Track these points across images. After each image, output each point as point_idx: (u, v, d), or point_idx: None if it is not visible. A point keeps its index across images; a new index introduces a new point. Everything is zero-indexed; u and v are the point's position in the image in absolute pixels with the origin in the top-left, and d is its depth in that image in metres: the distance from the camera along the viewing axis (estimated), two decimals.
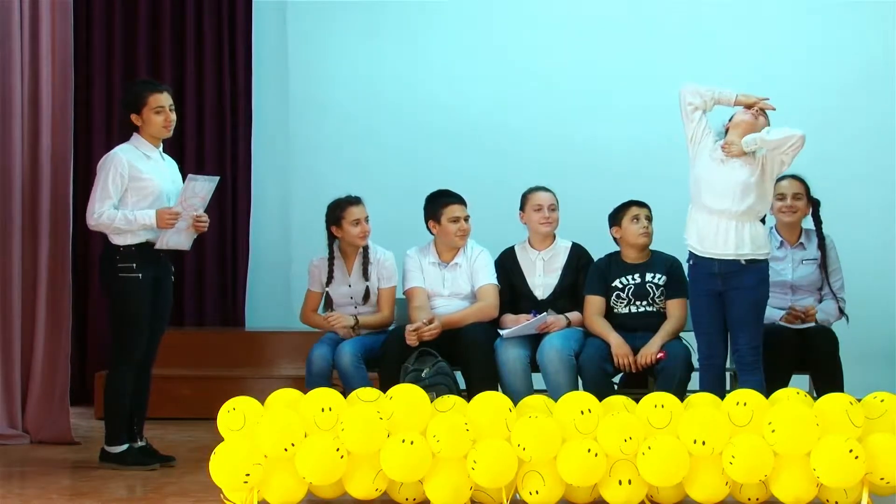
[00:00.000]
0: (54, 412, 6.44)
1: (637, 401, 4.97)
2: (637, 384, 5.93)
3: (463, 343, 5.87)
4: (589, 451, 4.77)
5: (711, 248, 5.45)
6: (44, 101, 6.43)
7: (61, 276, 6.45)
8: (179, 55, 8.09)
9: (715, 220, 5.44)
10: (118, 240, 5.70)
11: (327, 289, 6.23)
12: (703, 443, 4.76)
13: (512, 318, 6.05)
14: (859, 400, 4.92)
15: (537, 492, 4.84)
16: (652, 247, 6.04)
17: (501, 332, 5.95)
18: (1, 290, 6.31)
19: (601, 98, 8.02)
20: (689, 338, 5.85)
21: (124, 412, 5.79)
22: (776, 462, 4.78)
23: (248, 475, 4.81)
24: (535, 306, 6.08)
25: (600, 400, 4.97)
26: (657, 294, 5.95)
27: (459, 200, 6.18)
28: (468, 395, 5.42)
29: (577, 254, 6.17)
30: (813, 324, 5.92)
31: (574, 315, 6.04)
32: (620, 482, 4.84)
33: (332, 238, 6.22)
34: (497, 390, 5.52)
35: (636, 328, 5.91)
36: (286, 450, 4.81)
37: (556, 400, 5.04)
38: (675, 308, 5.92)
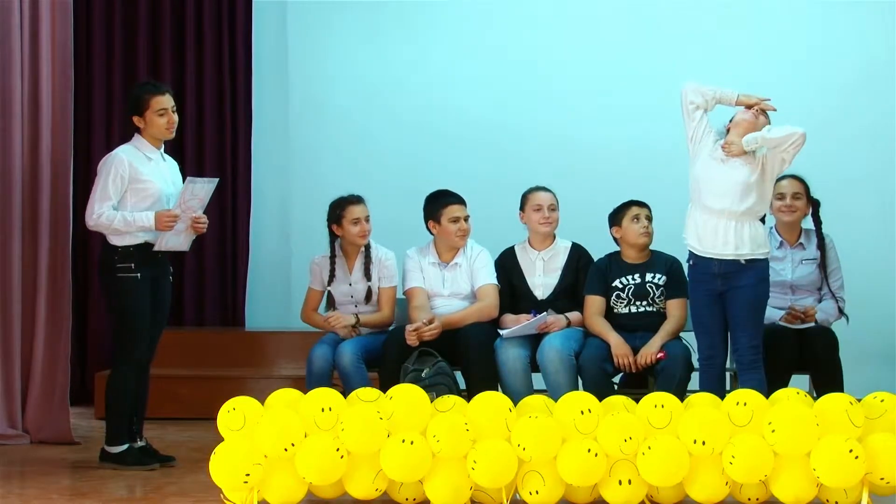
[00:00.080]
0: (54, 412, 6.44)
1: (637, 401, 4.97)
2: (637, 384, 5.93)
3: (463, 343, 5.87)
4: (589, 451, 4.77)
5: (711, 247, 5.45)
6: (44, 101, 6.44)
7: (61, 276, 6.45)
8: (179, 55, 8.09)
9: (714, 220, 5.44)
10: (116, 240, 5.71)
11: (329, 288, 6.23)
12: (703, 443, 4.76)
13: (512, 318, 6.05)
14: (859, 400, 4.92)
15: (537, 492, 4.84)
16: (652, 247, 6.04)
17: (501, 332, 5.95)
18: (1, 290, 6.31)
19: (601, 98, 8.01)
20: (689, 338, 5.85)
21: (126, 412, 5.79)
22: (776, 462, 4.78)
23: (248, 475, 4.81)
24: (535, 306, 6.08)
25: (600, 400, 4.98)
26: (657, 294, 5.95)
27: (459, 200, 6.18)
28: (468, 395, 5.42)
29: (577, 254, 6.18)
30: (813, 324, 5.92)
31: (574, 315, 6.04)
32: (620, 482, 4.84)
33: (333, 236, 6.23)
34: (497, 390, 5.52)
35: (636, 328, 5.91)
36: (286, 450, 4.81)
37: (556, 400, 5.04)
38: (675, 308, 5.92)
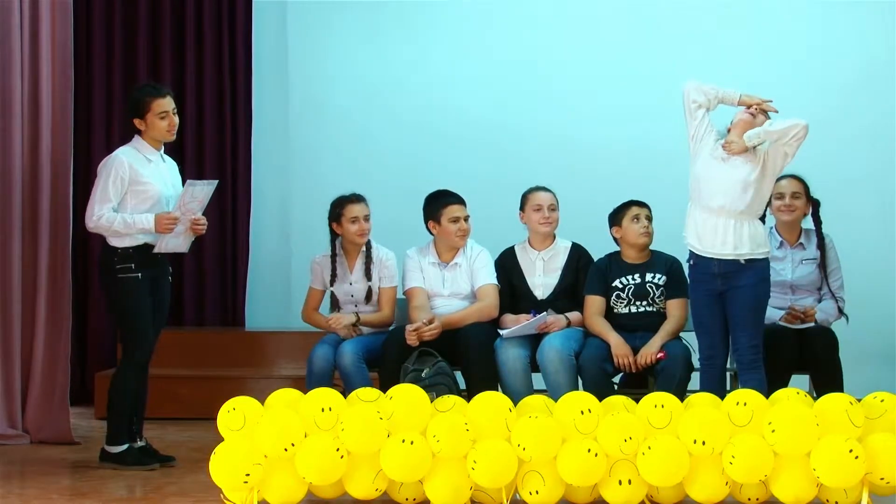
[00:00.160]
0: (54, 412, 6.44)
1: (637, 401, 4.97)
2: (637, 384, 5.93)
3: (463, 343, 5.87)
4: (589, 451, 4.77)
5: (710, 247, 5.45)
6: (44, 101, 6.43)
7: (61, 276, 6.45)
8: (179, 55, 8.08)
9: (714, 219, 5.44)
10: (116, 242, 5.71)
11: (332, 289, 6.23)
12: (703, 443, 4.76)
13: (512, 318, 6.05)
14: (859, 400, 4.92)
15: (537, 492, 4.85)
16: (652, 247, 6.04)
17: (501, 332, 5.95)
18: (1, 290, 6.31)
19: (601, 98, 8.01)
20: (690, 338, 5.85)
21: (127, 412, 5.80)
22: (776, 462, 4.78)
23: (248, 475, 4.81)
24: (535, 306, 6.08)
25: (600, 400, 4.98)
26: (657, 294, 5.95)
27: (459, 200, 6.18)
28: (468, 395, 5.42)
29: (577, 254, 6.18)
30: (813, 324, 5.92)
31: (574, 315, 6.04)
32: (620, 482, 4.84)
33: (334, 235, 6.24)
34: (497, 390, 5.52)
35: (636, 328, 5.91)
36: (286, 450, 4.81)
37: (556, 400, 5.04)
38: (675, 308, 5.92)
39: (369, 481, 4.90)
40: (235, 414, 4.89)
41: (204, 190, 5.80)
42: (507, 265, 6.20)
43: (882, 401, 4.93)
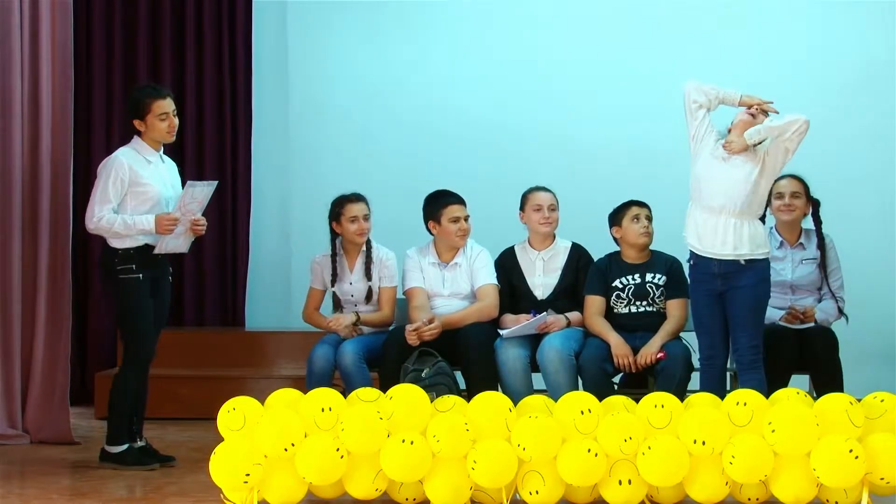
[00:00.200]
0: (54, 412, 6.44)
1: (637, 401, 4.97)
2: (637, 384, 5.93)
3: (463, 343, 5.87)
4: (589, 451, 4.77)
5: (710, 247, 5.45)
6: (44, 101, 6.44)
7: (61, 276, 6.46)
8: (179, 55, 8.08)
9: (714, 219, 5.44)
10: (117, 243, 5.71)
11: (333, 289, 6.23)
12: (703, 443, 4.76)
13: (512, 318, 6.05)
14: (859, 400, 4.92)
15: (537, 492, 4.84)
16: (652, 247, 6.04)
17: (501, 332, 5.95)
18: (1, 290, 6.31)
19: (601, 98, 8.01)
20: (690, 338, 5.85)
21: (127, 412, 5.80)
22: (776, 462, 4.78)
23: (248, 475, 4.81)
24: (535, 306, 6.08)
25: (600, 400, 4.98)
26: (657, 294, 5.95)
27: (459, 200, 6.18)
28: (468, 395, 5.42)
29: (577, 254, 6.18)
30: (813, 324, 5.93)
31: (574, 315, 6.03)
32: (620, 482, 4.84)
33: (334, 235, 6.24)
34: (497, 390, 5.52)
35: (636, 328, 5.91)
36: (286, 450, 4.81)
37: (556, 400, 5.04)
38: (675, 308, 5.92)
39: (369, 481, 4.90)
40: (235, 414, 4.89)
41: (204, 191, 5.80)
42: (507, 265, 6.20)
43: (882, 401, 4.93)
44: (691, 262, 5.59)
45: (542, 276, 6.16)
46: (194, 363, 7.46)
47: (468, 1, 8.23)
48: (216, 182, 5.95)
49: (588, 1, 8.13)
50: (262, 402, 4.99)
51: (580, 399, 4.95)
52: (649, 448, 4.78)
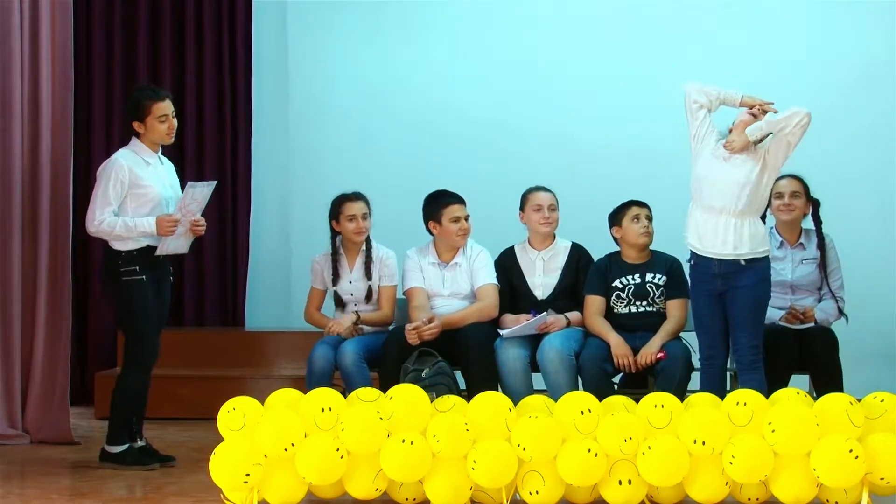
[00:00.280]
0: (54, 412, 6.44)
1: (637, 401, 4.97)
2: (637, 384, 5.93)
3: (463, 343, 5.87)
4: (589, 451, 4.77)
5: (711, 247, 5.45)
6: (44, 101, 6.43)
7: (61, 276, 6.46)
8: (179, 55, 8.08)
9: (714, 219, 5.44)
10: (119, 245, 5.72)
11: (335, 288, 6.23)
12: (703, 443, 4.76)
13: (512, 317, 6.05)
14: (859, 400, 4.92)
15: (537, 492, 4.84)
16: (652, 247, 6.04)
17: (501, 332, 5.95)
18: (1, 290, 6.31)
19: (601, 98, 8.01)
20: (690, 338, 5.85)
21: (129, 413, 5.80)
22: (776, 462, 4.78)
23: (248, 475, 4.81)
24: (535, 306, 6.08)
25: (600, 400, 4.98)
26: (657, 294, 5.95)
27: (459, 200, 6.18)
28: (468, 395, 5.42)
29: (577, 254, 6.18)
30: (812, 324, 5.93)
31: (574, 315, 6.03)
32: (620, 482, 4.84)
33: (334, 233, 6.24)
34: (497, 390, 5.52)
35: (636, 328, 5.91)
36: (286, 450, 4.81)
37: (556, 400, 5.04)
38: (675, 308, 5.92)
39: (369, 481, 4.90)
40: (235, 414, 4.88)
41: (203, 191, 5.80)
42: (507, 265, 6.20)
43: (882, 401, 4.93)
44: (692, 262, 5.59)
45: (542, 276, 6.16)
46: (194, 363, 7.46)
47: (468, 1, 8.24)
48: (215, 182, 5.96)
49: (588, 1, 8.13)
50: (262, 402, 4.98)
51: (580, 399, 4.95)
52: (649, 448, 4.78)
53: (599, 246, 6.15)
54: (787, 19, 7.99)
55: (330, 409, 4.87)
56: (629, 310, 5.97)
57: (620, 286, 5.97)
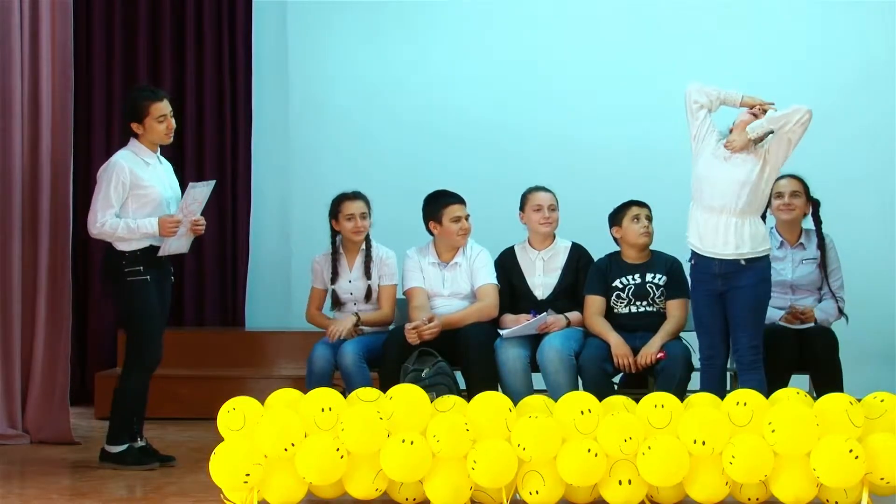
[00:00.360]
0: (54, 412, 6.44)
1: (637, 401, 4.97)
2: (637, 384, 5.93)
3: (463, 343, 5.87)
4: (589, 451, 4.77)
5: (711, 247, 5.46)
6: (44, 101, 6.44)
7: (61, 276, 6.46)
8: (179, 55, 8.08)
9: (715, 218, 5.44)
10: (123, 246, 5.72)
11: (333, 287, 6.23)
12: (703, 443, 4.76)
13: (512, 318, 6.05)
14: (859, 400, 4.92)
15: (537, 492, 4.84)
16: (652, 247, 6.04)
17: (501, 332, 5.95)
18: (1, 290, 6.31)
19: (601, 98, 8.01)
20: (690, 338, 5.85)
21: (131, 414, 5.80)
22: (776, 462, 4.78)
23: (248, 475, 4.81)
24: (535, 306, 6.08)
25: (600, 400, 4.97)
26: (657, 294, 5.95)
27: (459, 200, 6.18)
28: (468, 395, 5.42)
29: (577, 254, 6.17)
30: (812, 324, 5.93)
31: (574, 315, 6.03)
32: (620, 482, 4.84)
33: (334, 232, 6.25)
34: (497, 390, 5.52)
35: (636, 328, 5.91)
36: (286, 450, 4.81)
37: (556, 400, 5.04)
38: (676, 308, 5.92)
39: (369, 481, 4.90)
40: (235, 414, 4.88)
41: (203, 191, 5.82)
42: (507, 265, 6.20)
43: (882, 401, 4.93)
44: (692, 262, 5.59)
45: (542, 275, 6.16)
46: (194, 363, 7.45)
47: (468, 1, 8.24)
48: (214, 181, 6.00)
49: (588, 1, 8.13)
50: (262, 402, 4.98)
51: (580, 399, 4.95)
52: (649, 448, 4.78)
53: (599, 246, 6.15)
54: (787, 19, 7.99)
55: (330, 409, 4.87)
56: (629, 310, 5.97)
57: (620, 286, 5.97)
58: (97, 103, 7.96)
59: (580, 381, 5.80)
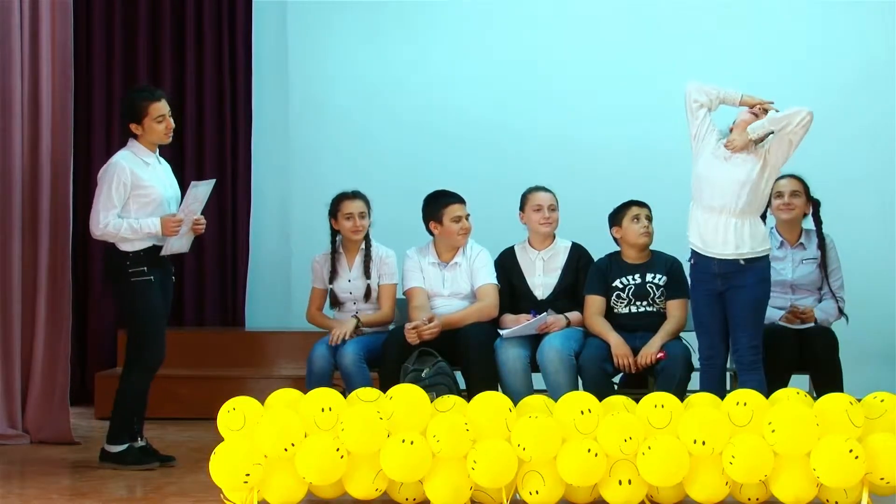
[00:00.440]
0: (54, 412, 6.44)
1: (637, 401, 4.97)
2: (637, 384, 5.93)
3: (463, 343, 5.87)
4: (589, 451, 4.77)
5: (712, 246, 5.46)
6: (44, 101, 6.44)
7: (61, 276, 6.46)
8: (179, 55, 8.08)
9: (715, 218, 5.44)
10: (126, 246, 5.72)
11: (332, 286, 6.23)
12: (703, 443, 4.76)
13: (512, 318, 6.05)
14: (859, 400, 4.92)
15: (537, 492, 4.84)
16: (653, 247, 6.04)
17: (501, 332, 5.95)
18: (1, 290, 6.31)
19: (601, 98, 8.01)
20: (690, 338, 5.85)
21: (132, 414, 5.80)
22: (776, 462, 4.78)
23: (248, 475, 4.81)
24: (535, 306, 6.08)
25: (600, 400, 4.97)
26: (657, 294, 5.95)
27: (459, 200, 6.18)
28: (468, 395, 5.42)
29: (577, 254, 6.17)
30: (813, 324, 5.93)
31: (574, 315, 6.03)
32: (620, 482, 4.84)
33: (334, 232, 6.25)
34: (497, 390, 5.52)
35: (636, 328, 5.91)
36: (286, 450, 4.81)
37: (556, 400, 5.04)
38: (676, 308, 5.92)
39: (369, 481, 4.90)
40: (235, 414, 4.88)
41: (204, 190, 5.83)
42: (507, 265, 6.20)
43: (882, 401, 4.92)
44: (692, 262, 5.59)
45: (542, 275, 6.16)
46: (194, 363, 7.45)
47: (468, 1, 8.24)
48: (214, 180, 6.00)
49: (588, 1, 8.14)
50: (262, 402, 4.98)
51: (580, 399, 4.95)
52: (649, 448, 4.78)
53: (599, 246, 6.15)
54: (787, 19, 8.00)
55: (330, 409, 4.87)
56: (629, 310, 5.97)
57: (620, 286, 5.97)
58: (97, 103, 7.96)
59: (580, 381, 5.80)
